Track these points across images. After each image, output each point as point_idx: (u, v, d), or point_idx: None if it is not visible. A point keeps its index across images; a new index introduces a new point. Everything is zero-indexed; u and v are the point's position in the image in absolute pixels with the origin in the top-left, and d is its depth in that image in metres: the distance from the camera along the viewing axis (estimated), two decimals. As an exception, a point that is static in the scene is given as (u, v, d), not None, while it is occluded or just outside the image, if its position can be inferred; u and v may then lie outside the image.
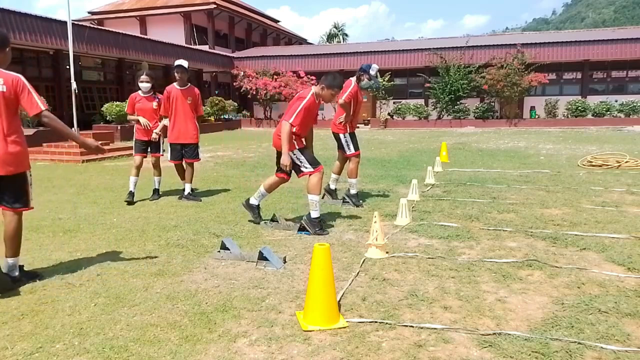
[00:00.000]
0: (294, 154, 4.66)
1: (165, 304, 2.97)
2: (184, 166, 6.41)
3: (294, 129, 4.49)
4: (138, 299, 3.05)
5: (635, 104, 22.47)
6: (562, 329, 2.55)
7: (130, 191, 6.16)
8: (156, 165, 6.43)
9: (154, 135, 6.27)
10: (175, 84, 6.20)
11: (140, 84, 6.30)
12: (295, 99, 4.61)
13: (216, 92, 28.38)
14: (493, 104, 24.89)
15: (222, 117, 24.52)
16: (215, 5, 29.64)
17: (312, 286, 2.65)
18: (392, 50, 27.58)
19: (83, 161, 10.44)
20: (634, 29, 29.69)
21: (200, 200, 6.25)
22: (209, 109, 23.29)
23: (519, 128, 22.32)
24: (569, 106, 23.20)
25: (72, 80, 11.94)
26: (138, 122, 6.29)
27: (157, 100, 6.33)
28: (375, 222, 3.87)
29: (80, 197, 6.59)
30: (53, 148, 11.27)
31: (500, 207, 5.64)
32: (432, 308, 2.87)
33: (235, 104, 26.28)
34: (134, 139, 6.40)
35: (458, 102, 24.75)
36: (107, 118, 17.16)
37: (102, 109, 17.34)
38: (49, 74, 17.76)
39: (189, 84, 6.25)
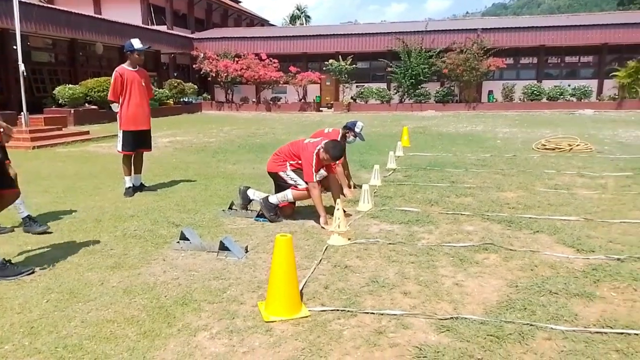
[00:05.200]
0: (287, 175, 4.61)
1: (122, 298, 2.89)
2: (135, 157, 5.91)
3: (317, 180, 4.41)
4: (93, 293, 2.95)
5: (586, 89, 23.42)
6: (515, 311, 2.65)
7: None
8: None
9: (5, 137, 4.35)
10: (125, 65, 5.71)
11: None
12: (304, 158, 4.43)
13: (175, 74, 27.58)
14: (453, 88, 25.35)
15: (181, 100, 23.91)
16: (172, -16, 28.62)
17: (273, 277, 2.64)
18: (355, 34, 27.53)
19: (34, 147, 9.96)
20: (587, 15, 30.79)
21: (156, 191, 5.97)
22: (167, 91, 22.66)
23: (477, 112, 22.86)
24: (525, 90, 23.91)
25: (20, 62, 11.32)
26: None
27: None
28: (337, 209, 3.89)
29: (30, 186, 6.26)
30: (0, 134, 10.67)
31: (459, 191, 5.78)
32: (393, 294, 2.92)
33: (195, 86, 25.66)
34: None
35: (419, 86, 25.08)
36: (60, 101, 16.41)
37: (54, 92, 16.56)
38: (-7, 53, 16.72)
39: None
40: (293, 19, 51.23)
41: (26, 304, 2.80)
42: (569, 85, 24.10)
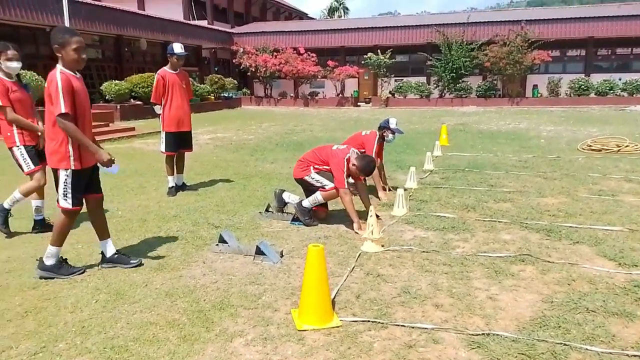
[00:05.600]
0: (312, 178, 4.66)
1: (165, 300, 3.05)
2: (177, 158, 6.12)
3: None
4: (138, 295, 3.13)
5: (639, 83, 22.23)
6: (549, 329, 2.63)
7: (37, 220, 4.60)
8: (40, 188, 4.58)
9: (42, 141, 4.32)
10: (167, 67, 5.94)
11: (9, 64, 4.19)
12: (334, 164, 4.51)
13: (216, 68, 28.11)
14: (495, 82, 24.67)
15: (222, 95, 24.37)
16: (214, -21, 29.08)
17: (306, 287, 2.72)
18: (394, 27, 27.20)
19: (83, 143, 10.43)
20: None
21: (197, 191, 6.17)
22: (208, 87, 23.16)
23: (521, 107, 22.18)
24: (572, 85, 22.99)
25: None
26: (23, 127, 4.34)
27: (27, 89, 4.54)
28: (370, 215, 3.92)
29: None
30: (53, 130, 11.25)
31: (497, 195, 5.68)
32: (424, 306, 2.94)
33: (235, 81, 26.07)
34: (20, 146, 4.31)
35: (460, 80, 24.54)
36: (107, 97, 17.09)
37: (101, 87, 17.25)
38: (47, 51, 17.54)
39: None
40: (331, 11, 51.02)
41: (77, 304, 3.01)
42: (620, 79, 22.96)
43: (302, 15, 42.48)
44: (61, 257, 3.50)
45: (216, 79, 23.90)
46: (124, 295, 3.13)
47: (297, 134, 12.67)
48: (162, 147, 6.05)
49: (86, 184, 3.42)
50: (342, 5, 51.30)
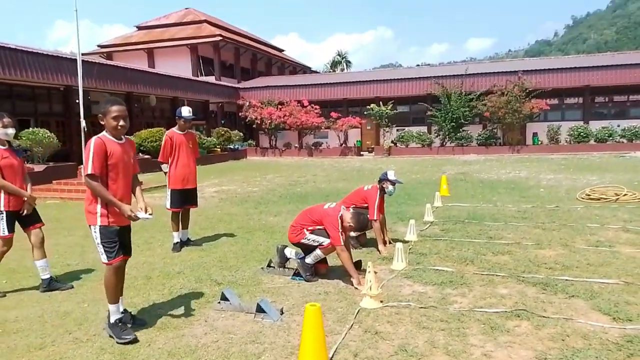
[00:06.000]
0: (308, 239, 4.78)
1: (167, 360, 3.12)
2: (183, 213, 6.31)
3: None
4: (141, 355, 3.21)
5: (637, 129, 22.59)
6: (542, 387, 2.67)
7: None
8: (39, 244, 4.68)
9: (27, 206, 4.57)
10: (175, 129, 6.29)
11: (5, 131, 4.43)
12: (325, 219, 4.68)
13: (222, 121, 28.89)
14: (495, 130, 25.15)
15: (228, 147, 24.92)
16: (221, 38, 30.47)
17: (303, 347, 2.80)
18: (394, 79, 28.08)
19: (91, 199, 10.68)
20: (633, 53, 30.08)
21: (201, 246, 6.30)
22: (215, 139, 23.73)
23: (521, 155, 22.48)
24: (571, 132, 23.39)
25: (82, 119, 12.32)
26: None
27: (24, 154, 4.84)
28: (369, 271, 4.03)
29: (88, 240, 6.76)
30: (63, 186, 11.57)
31: (496, 248, 5.77)
32: (421, 364, 3.00)
33: (241, 133, 26.74)
34: (3, 211, 4.45)
35: (460, 130, 25.03)
36: (115, 151, 17.51)
37: (110, 142, 17.73)
38: (60, 109, 18.27)
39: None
40: (334, 64, 52.82)
41: (82, 365, 3.09)
42: (619, 126, 23.38)
43: (306, 69, 44.00)
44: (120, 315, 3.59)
45: (222, 132, 24.53)
46: (128, 355, 3.21)
47: (300, 186, 12.90)
48: (168, 204, 6.27)
49: (120, 242, 3.55)
50: (344, 59, 53.17)
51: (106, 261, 3.50)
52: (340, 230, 4.58)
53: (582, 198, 9.21)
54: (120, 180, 3.56)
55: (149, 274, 5.08)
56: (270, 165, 20.44)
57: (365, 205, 5.83)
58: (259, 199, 10.60)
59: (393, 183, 5.98)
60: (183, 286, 4.65)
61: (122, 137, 3.63)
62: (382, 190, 5.99)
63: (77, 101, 13.00)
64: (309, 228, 4.81)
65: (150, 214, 3.58)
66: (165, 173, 6.31)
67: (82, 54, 20.90)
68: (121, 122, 3.51)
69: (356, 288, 4.41)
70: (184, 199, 6.30)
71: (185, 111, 6.23)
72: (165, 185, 6.43)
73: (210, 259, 5.63)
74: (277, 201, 10.17)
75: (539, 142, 24.43)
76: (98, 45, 34.17)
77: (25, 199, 4.55)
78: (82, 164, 12.41)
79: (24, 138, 13.72)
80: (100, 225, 3.46)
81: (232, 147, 25.33)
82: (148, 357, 3.18)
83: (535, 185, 11.63)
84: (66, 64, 16.73)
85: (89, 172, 3.39)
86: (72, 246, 6.45)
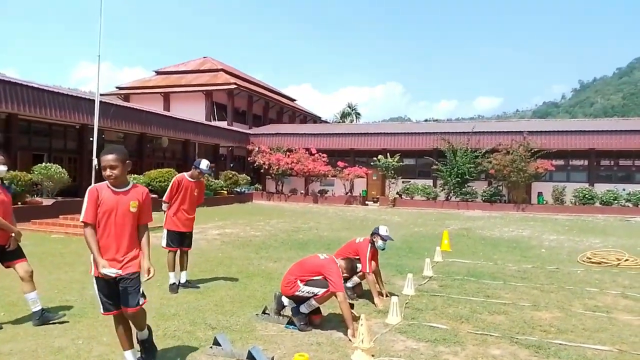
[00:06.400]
0: (302, 292, 4.83)
1: (155, 403, 3.14)
2: (180, 255, 6.44)
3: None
4: (130, 396, 3.23)
5: (642, 194, 22.60)
6: None
7: None
8: (28, 277, 4.73)
9: (13, 242, 4.71)
10: (186, 174, 6.51)
11: None
12: (324, 270, 4.80)
13: (232, 164, 29.33)
14: (501, 188, 25.28)
15: (234, 190, 25.19)
16: (235, 86, 31.47)
17: (290, 396, 2.83)
18: (402, 133, 28.61)
19: (95, 235, 10.82)
20: (638, 120, 30.57)
21: (199, 288, 6.36)
22: (222, 182, 24.03)
23: (526, 213, 22.47)
24: (577, 193, 23.44)
25: (94, 157, 12.66)
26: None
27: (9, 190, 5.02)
28: (361, 324, 4.06)
29: (88, 277, 6.80)
30: (69, 221, 11.73)
31: (492, 307, 5.77)
32: (406, 421, 3.00)
33: (248, 177, 27.07)
34: None
35: (465, 185, 25.20)
36: (124, 190, 17.80)
37: (119, 180, 18.06)
38: (73, 146, 18.76)
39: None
40: (344, 115, 53.99)
41: (71, 403, 3.12)
42: (624, 190, 23.43)
43: (316, 119, 44.98)
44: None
45: (230, 175, 24.87)
46: (117, 395, 3.24)
47: (303, 232, 12.97)
48: (164, 243, 6.40)
49: (116, 293, 3.50)
50: (354, 111, 54.38)
51: (101, 312, 3.59)
52: (341, 277, 4.69)
53: (583, 261, 9.19)
54: (112, 229, 3.47)
55: (145, 315, 5.11)
56: (275, 210, 20.58)
57: (357, 257, 5.91)
58: (261, 243, 10.67)
59: (384, 239, 6.06)
60: (177, 328, 4.68)
61: (125, 186, 3.56)
62: (372, 243, 6.07)
63: (92, 139, 13.42)
64: (303, 278, 4.87)
65: (148, 276, 3.53)
66: (164, 212, 6.46)
67: (101, 94, 21.57)
68: (107, 172, 3.46)
69: (350, 340, 4.42)
70: (180, 240, 6.43)
71: (204, 165, 6.44)
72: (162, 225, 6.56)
73: (206, 302, 5.67)
74: (278, 247, 10.23)
75: (544, 202, 24.47)
76: (117, 87, 35.37)
77: (13, 234, 4.68)
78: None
79: (36, 172, 14.06)
80: (93, 275, 3.49)
81: (238, 190, 25.58)
82: (136, 399, 3.20)
83: (537, 245, 11.62)
84: (84, 103, 17.34)
85: (81, 219, 3.48)
86: (72, 282, 6.51)
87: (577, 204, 23.38)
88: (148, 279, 3.53)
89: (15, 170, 13.67)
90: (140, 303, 3.53)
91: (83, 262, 7.94)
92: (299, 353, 2.92)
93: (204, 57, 37.69)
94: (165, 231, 6.39)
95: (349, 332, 4.52)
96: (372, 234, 6.11)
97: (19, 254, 4.77)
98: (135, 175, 18.21)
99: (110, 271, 3.39)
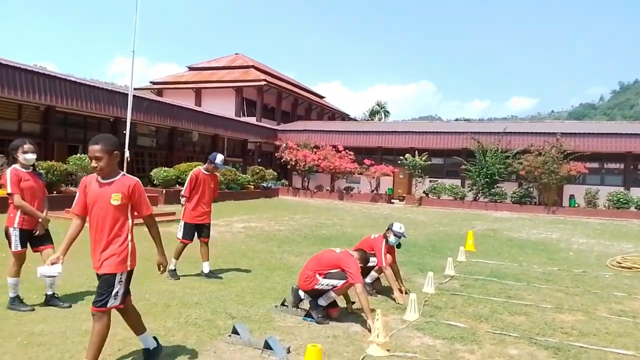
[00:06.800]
0: (321, 284, 4.90)
1: (173, 385, 3.27)
2: (201, 246, 6.64)
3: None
4: (150, 377, 3.36)
5: (681, 200, 21.71)
6: None
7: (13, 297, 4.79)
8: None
9: (40, 227, 4.89)
10: (202, 168, 6.70)
11: (26, 156, 4.79)
12: (350, 264, 4.85)
13: (259, 160, 29.66)
14: (531, 189, 24.72)
15: (261, 185, 25.47)
16: (265, 82, 31.76)
17: (302, 384, 2.90)
18: (431, 132, 28.29)
19: (125, 225, 11.15)
20: (680, 122, 29.33)
21: (221, 278, 6.52)
22: (249, 177, 24.34)
23: (557, 216, 21.93)
24: (610, 197, 22.70)
25: (126, 149, 13.04)
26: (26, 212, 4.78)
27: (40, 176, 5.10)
28: (377, 319, 4.09)
29: (116, 264, 7.10)
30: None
31: (513, 308, 5.70)
32: (416, 415, 3.03)
33: (275, 173, 27.32)
34: (17, 228, 4.77)
35: (495, 186, 24.75)
36: (154, 182, 18.29)
37: (150, 173, 18.55)
38: (107, 138, 19.30)
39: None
40: (373, 113, 53.73)
41: (95, 381, 3.27)
42: (662, 195, 22.55)
43: (344, 116, 44.94)
44: None
45: (257, 170, 25.16)
46: (138, 376, 3.38)
47: (326, 228, 13.03)
48: (179, 234, 6.60)
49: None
50: (383, 109, 54.05)
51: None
52: (360, 270, 4.77)
53: (613, 265, 8.94)
54: (94, 223, 3.32)
55: (169, 302, 5.28)
56: (300, 206, 20.72)
57: (372, 252, 5.93)
58: (284, 238, 10.79)
59: (397, 235, 6.06)
60: (199, 316, 4.82)
61: (112, 177, 3.32)
62: (385, 238, 6.08)
63: (125, 132, 13.80)
64: (322, 273, 4.93)
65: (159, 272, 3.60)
66: (182, 205, 6.69)
67: (135, 89, 22.03)
68: (92, 163, 3.28)
69: (369, 331, 4.46)
70: (197, 233, 6.64)
71: (219, 159, 6.65)
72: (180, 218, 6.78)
73: (228, 292, 5.80)
74: (301, 242, 10.32)
75: (576, 205, 23.80)
76: (150, 82, 36.21)
77: (40, 220, 4.88)
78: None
79: (71, 163, 14.58)
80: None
81: (265, 185, 25.86)
82: (156, 380, 3.33)
83: (565, 248, 11.35)
84: (118, 97, 17.85)
85: (72, 211, 3.45)
86: (101, 269, 6.75)
87: (610, 207, 22.65)
88: (161, 273, 3.50)
89: (52, 160, 14.21)
90: (109, 305, 3.25)
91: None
92: (312, 344, 2.98)
93: (236, 54, 38.17)
94: (182, 223, 6.60)
95: (368, 322, 4.55)
96: (387, 230, 6.13)
97: (46, 240, 4.99)
98: (166, 168, 18.65)
99: (47, 270, 3.28)
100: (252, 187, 24.35)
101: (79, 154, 15.48)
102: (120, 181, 3.34)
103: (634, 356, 4.24)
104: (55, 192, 13.59)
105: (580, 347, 4.40)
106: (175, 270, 6.49)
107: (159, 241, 3.57)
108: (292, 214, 16.73)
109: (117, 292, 3.29)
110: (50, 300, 4.95)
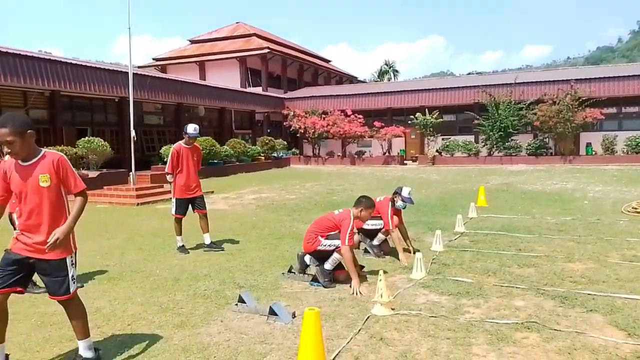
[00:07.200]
0: (324, 245, 4.96)
1: (180, 356, 3.34)
2: (200, 218, 6.71)
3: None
4: (157, 350, 3.45)
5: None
6: (537, 399, 2.66)
7: None
8: None
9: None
10: (182, 142, 6.69)
11: None
12: (340, 223, 4.92)
13: (268, 130, 29.57)
14: (547, 140, 24.24)
15: (271, 155, 25.47)
16: (269, 50, 31.27)
17: (302, 349, 2.94)
18: (440, 88, 27.70)
19: (138, 204, 11.32)
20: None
21: (223, 249, 6.59)
22: (259, 148, 24.32)
23: (573, 165, 21.55)
24: (629, 142, 22.15)
25: (132, 129, 13.08)
26: None
27: None
28: (380, 280, 4.10)
29: (128, 243, 7.24)
30: (112, 191, 12.30)
31: (523, 260, 5.66)
32: (418, 371, 3.06)
33: (285, 142, 27.26)
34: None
35: (509, 139, 24.32)
36: (165, 160, 18.38)
37: (160, 150, 18.65)
38: (114, 119, 19.41)
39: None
40: (381, 74, 52.76)
41: (105, 357, 3.36)
42: (683, 136, 21.90)
43: (352, 79, 44.22)
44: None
45: (267, 141, 25.11)
46: (146, 349, 3.46)
47: (337, 194, 13.03)
48: (173, 210, 6.68)
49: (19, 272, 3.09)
50: (391, 69, 52.99)
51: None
52: (349, 232, 4.76)
53: (628, 211, 8.79)
54: (27, 208, 3.04)
55: (179, 276, 5.37)
56: (312, 174, 20.72)
57: (378, 215, 5.91)
58: (294, 206, 10.83)
59: (404, 200, 6.02)
60: (207, 288, 4.90)
61: (33, 158, 3.03)
62: (393, 201, 6.04)
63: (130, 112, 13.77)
64: (323, 235, 4.96)
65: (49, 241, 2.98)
66: (170, 183, 6.73)
67: (139, 67, 21.78)
68: (5, 149, 2.98)
69: (360, 293, 4.50)
70: (190, 206, 6.70)
71: (191, 129, 6.62)
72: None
73: (237, 263, 5.87)
74: (312, 209, 10.35)
75: (593, 152, 23.32)
76: (153, 59, 35.97)
77: None
78: (131, 169, 13.17)
79: (80, 146, 14.71)
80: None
81: (275, 155, 25.86)
82: (163, 352, 3.41)
83: (580, 197, 11.18)
84: (121, 76, 17.76)
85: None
86: (112, 248, 6.89)
87: (629, 153, 22.14)
88: (48, 245, 2.95)
89: (62, 145, 14.35)
90: (72, 290, 3.14)
91: (124, 230, 8.38)
92: (310, 307, 3.00)
93: (237, 23, 37.54)
94: (174, 200, 6.66)
95: (354, 282, 4.63)
96: (394, 193, 6.07)
97: None
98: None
99: None
100: (263, 158, 24.36)
101: (87, 137, 15.58)
102: (43, 160, 3.04)
103: (644, 300, 4.18)
104: (68, 176, 13.77)
105: (588, 294, 4.36)
106: (182, 245, 6.58)
107: (74, 217, 3.09)
108: (303, 182, 16.75)
109: (74, 274, 3.16)
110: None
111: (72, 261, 3.16)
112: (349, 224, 4.84)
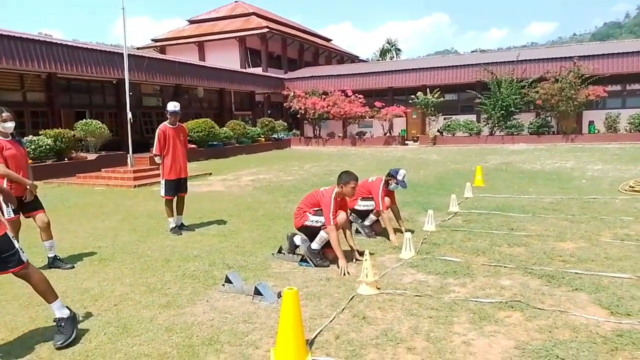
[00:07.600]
0: (311, 221, 4.99)
1: (163, 335, 3.37)
2: (177, 201, 6.71)
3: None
4: (142, 329, 3.48)
5: None
6: (512, 377, 2.67)
7: None
8: (45, 227, 5.02)
9: (28, 193, 4.88)
10: (167, 123, 6.58)
11: (5, 124, 4.70)
12: (321, 200, 4.92)
13: (269, 111, 29.41)
14: (549, 118, 24.02)
15: (272, 136, 25.39)
16: (268, 29, 30.90)
17: (281, 328, 2.95)
18: (441, 67, 27.38)
19: (135, 186, 11.34)
20: None
21: (181, 234, 6.48)
22: (259, 129, 24.24)
23: (575, 144, 21.39)
24: (632, 120, 21.93)
25: (128, 110, 13.03)
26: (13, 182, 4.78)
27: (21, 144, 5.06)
28: (365, 259, 4.10)
29: (123, 224, 7.27)
30: (110, 173, 12.31)
31: (514, 239, 5.65)
32: (397, 348, 3.07)
33: (285, 123, 27.14)
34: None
35: (511, 118, 24.12)
36: (163, 141, 18.35)
37: (159, 133, 18.61)
38: (112, 101, 19.33)
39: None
40: (383, 52, 52.12)
41: (88, 335, 3.40)
42: (687, 114, 21.65)
43: (353, 59, 43.75)
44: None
45: (267, 122, 25.01)
46: (130, 329, 3.49)
47: (334, 175, 12.88)
48: (162, 192, 6.67)
49: None
50: (394, 47, 52.32)
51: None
52: (333, 209, 4.75)
53: (625, 190, 8.74)
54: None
55: (169, 257, 5.39)
56: (312, 155, 20.67)
57: (370, 196, 5.89)
58: (291, 187, 10.83)
59: (398, 183, 5.98)
60: (196, 269, 4.92)
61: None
62: (387, 183, 6.01)
63: (131, 93, 13.66)
64: (312, 212, 4.96)
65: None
66: (159, 165, 6.71)
67: (138, 48, 21.48)
68: None
69: (348, 273, 4.53)
70: (177, 188, 6.69)
71: (171, 106, 6.54)
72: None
73: (228, 244, 5.89)
74: (308, 190, 10.24)
75: (596, 131, 23.12)
76: (152, 40, 35.63)
77: (28, 186, 4.88)
78: (128, 151, 13.16)
79: (78, 129, 14.69)
80: None
81: (276, 136, 25.77)
82: (147, 331, 3.44)
83: (579, 176, 11.11)
84: (118, 58, 17.60)
85: None
86: (107, 230, 6.92)
87: (632, 131, 21.94)
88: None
89: (60, 127, 14.33)
90: (25, 259, 3.28)
91: (120, 211, 8.40)
92: (288, 287, 3.01)
93: (235, 2, 37.02)
94: (163, 181, 6.65)
95: (340, 262, 4.63)
96: (389, 175, 6.03)
97: (36, 206, 5.03)
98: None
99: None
100: (263, 139, 24.31)
101: (85, 119, 15.55)
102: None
103: (630, 279, 4.18)
104: (66, 158, 13.81)
105: (575, 273, 4.35)
106: (175, 226, 6.60)
107: None
108: (302, 163, 16.72)
109: (19, 246, 3.30)
110: (53, 263, 5.10)
111: (12, 235, 3.29)
112: (328, 202, 4.81)
